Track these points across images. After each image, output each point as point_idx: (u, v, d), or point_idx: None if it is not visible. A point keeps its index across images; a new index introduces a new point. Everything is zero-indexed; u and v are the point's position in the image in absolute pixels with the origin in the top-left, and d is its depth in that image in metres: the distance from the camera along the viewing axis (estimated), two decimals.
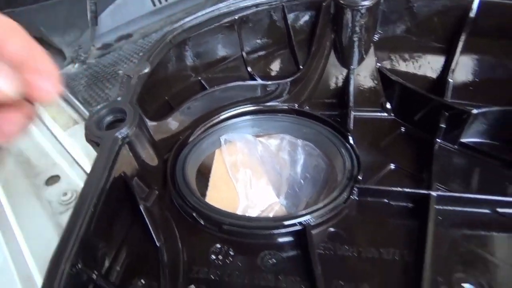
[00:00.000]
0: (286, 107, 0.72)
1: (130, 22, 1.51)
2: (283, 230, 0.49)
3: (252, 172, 0.66)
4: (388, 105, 0.71)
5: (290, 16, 0.66)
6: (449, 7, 0.61)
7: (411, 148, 0.64)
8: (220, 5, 0.63)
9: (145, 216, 0.47)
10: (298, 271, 0.46)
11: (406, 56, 0.68)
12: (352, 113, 0.64)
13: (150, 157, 0.58)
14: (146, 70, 0.54)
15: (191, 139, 0.67)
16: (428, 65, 0.68)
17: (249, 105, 0.72)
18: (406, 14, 0.64)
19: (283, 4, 0.65)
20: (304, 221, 0.49)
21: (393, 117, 0.71)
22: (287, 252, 0.48)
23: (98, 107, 0.49)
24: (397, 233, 0.50)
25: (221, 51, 0.68)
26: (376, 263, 0.46)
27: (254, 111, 0.72)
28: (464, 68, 0.65)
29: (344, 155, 0.61)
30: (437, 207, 0.52)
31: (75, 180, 0.83)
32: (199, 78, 0.68)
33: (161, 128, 0.60)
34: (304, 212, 0.50)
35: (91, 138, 0.47)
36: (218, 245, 0.49)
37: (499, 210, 0.52)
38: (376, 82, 0.70)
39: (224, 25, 0.64)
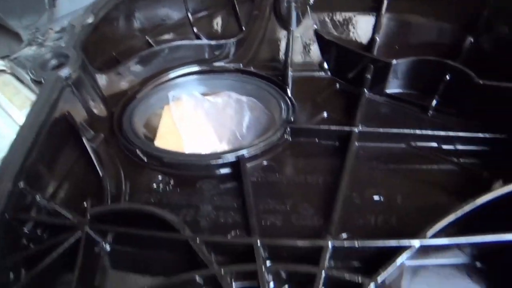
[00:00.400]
0: (232, 67, 0.77)
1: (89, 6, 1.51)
2: (220, 161, 0.53)
3: (198, 125, 0.70)
4: (326, 65, 0.77)
5: None
6: None
7: (343, 100, 0.70)
8: None
9: (88, 149, 0.51)
10: (232, 194, 0.50)
11: (340, 17, 0.75)
12: (290, 69, 0.70)
13: (98, 107, 0.61)
14: (90, 21, 0.57)
15: (139, 95, 0.70)
16: (360, 26, 0.75)
17: (196, 66, 0.76)
18: None
19: None
20: (240, 154, 0.54)
21: (330, 76, 0.77)
22: (223, 181, 0.53)
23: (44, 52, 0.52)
24: (323, 165, 0.56)
25: (168, 12, 0.72)
26: (301, 186, 0.52)
27: (201, 71, 0.76)
28: (389, 28, 0.72)
29: (281, 105, 0.66)
30: (358, 143, 0.58)
31: None
32: (147, 37, 0.72)
33: (109, 82, 0.64)
34: (239, 147, 0.55)
35: (35, 79, 0.50)
36: (160, 177, 0.53)
37: (412, 143, 0.58)
38: (313, 43, 0.76)
39: None
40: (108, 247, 0.42)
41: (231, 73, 0.76)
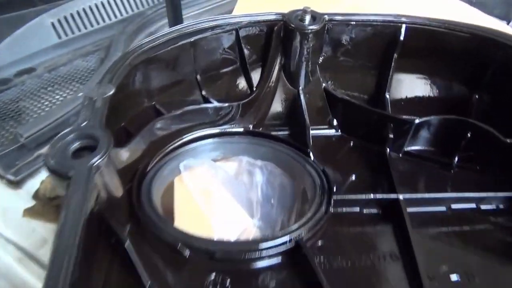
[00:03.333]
0: (242, 129, 0.72)
1: (32, 55, 1.37)
2: (278, 250, 0.47)
3: (219, 196, 0.63)
4: (335, 122, 0.76)
5: (244, 40, 0.67)
6: (381, 31, 0.69)
7: (365, 160, 0.69)
8: (178, 26, 0.61)
9: (128, 252, 0.42)
10: (303, 286, 0.44)
11: (347, 75, 0.74)
12: (310, 131, 0.67)
13: (116, 188, 0.52)
14: (111, 93, 0.49)
15: (150, 167, 0.62)
16: (367, 84, 0.75)
17: (204, 129, 0.70)
18: (346, 38, 0.70)
19: (237, 28, 0.66)
20: (297, 236, 0.49)
21: (340, 133, 0.76)
22: (286, 270, 0.47)
23: (63, 132, 0.43)
24: (377, 238, 0.53)
25: (175, 74, 0.65)
26: (371, 270, 0.48)
27: (210, 135, 0.70)
28: (397, 85, 0.73)
29: (310, 170, 0.62)
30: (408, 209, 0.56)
31: None
32: (153, 103, 0.64)
33: (121, 156, 0.55)
34: (293, 227, 0.50)
35: (57, 170, 0.41)
36: (212, 276, 0.45)
37: (453, 206, 0.58)
38: (322, 101, 0.75)
39: (181, 47, 0.62)
40: None
41: (242, 136, 0.71)
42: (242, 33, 0.67)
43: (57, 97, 1.20)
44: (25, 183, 0.96)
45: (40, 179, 0.95)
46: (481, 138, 0.62)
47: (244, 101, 0.69)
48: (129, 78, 0.57)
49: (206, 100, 0.70)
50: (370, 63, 0.73)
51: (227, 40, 0.67)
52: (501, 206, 0.58)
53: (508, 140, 0.59)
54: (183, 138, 0.67)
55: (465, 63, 0.68)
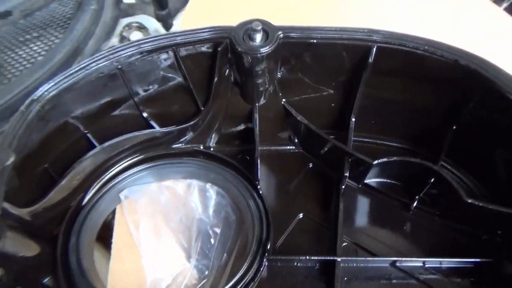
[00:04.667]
0: (191, 149, 0.67)
1: None
2: None
3: (157, 231, 0.61)
4: (296, 139, 0.70)
5: (184, 59, 0.58)
6: (347, 50, 0.58)
7: (319, 190, 0.64)
8: (98, 56, 0.53)
9: None
10: None
11: (309, 93, 0.65)
12: (259, 162, 0.61)
13: (28, 248, 0.50)
14: (9, 162, 0.44)
15: (85, 201, 0.59)
16: (331, 104, 0.66)
17: (149, 151, 0.65)
18: (306, 55, 0.60)
19: (174, 48, 0.56)
20: None
21: (301, 151, 0.70)
22: None
23: None
24: None
25: (109, 100, 0.58)
26: None
27: (156, 157, 0.65)
28: (365, 107, 0.64)
29: (253, 211, 0.59)
30: (342, 265, 0.53)
31: None
32: (85, 132, 0.59)
33: (41, 207, 0.52)
34: None
35: None
36: None
37: (398, 264, 0.55)
38: (281, 117, 0.67)
39: (108, 75, 0.55)
40: None
41: (191, 158, 0.66)
42: (182, 52, 0.57)
43: (31, 52, 1.12)
44: None
45: None
46: (443, 189, 0.56)
47: (190, 123, 0.63)
48: (44, 122, 0.51)
49: (148, 122, 0.63)
50: (335, 82, 0.63)
51: (164, 62, 0.58)
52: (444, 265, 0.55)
53: (468, 200, 0.53)
54: (122, 164, 0.63)
55: (444, 91, 0.58)
